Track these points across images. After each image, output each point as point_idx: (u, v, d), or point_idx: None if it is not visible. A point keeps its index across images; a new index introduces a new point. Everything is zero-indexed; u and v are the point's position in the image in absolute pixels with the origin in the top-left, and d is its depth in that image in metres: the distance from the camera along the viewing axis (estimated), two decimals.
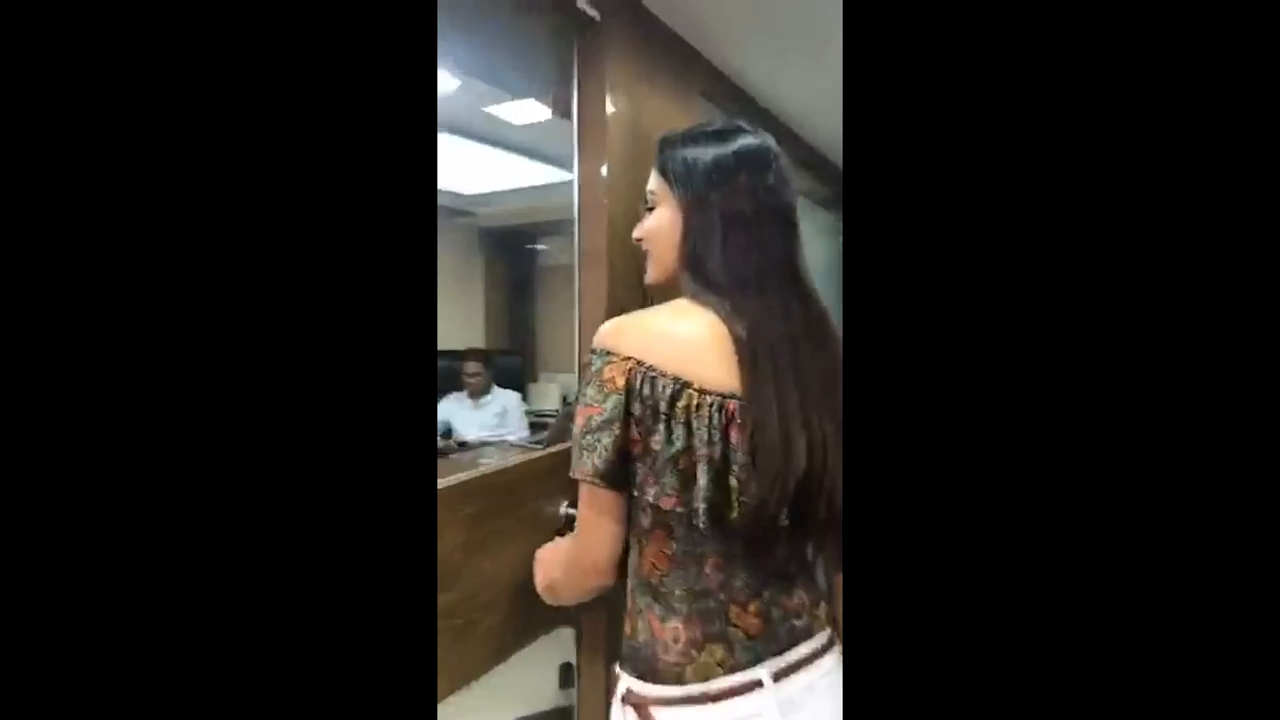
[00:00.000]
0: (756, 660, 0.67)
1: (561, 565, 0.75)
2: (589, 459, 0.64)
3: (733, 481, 0.62)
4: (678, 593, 0.67)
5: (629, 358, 0.63)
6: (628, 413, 0.63)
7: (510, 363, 3.69)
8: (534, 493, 0.88)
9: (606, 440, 0.63)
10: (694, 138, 0.70)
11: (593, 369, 0.65)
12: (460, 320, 3.94)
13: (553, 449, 0.93)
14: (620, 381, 0.63)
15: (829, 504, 0.65)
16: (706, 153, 0.68)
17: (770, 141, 0.70)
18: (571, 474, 0.66)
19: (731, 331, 0.63)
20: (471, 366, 2.92)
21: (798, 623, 0.70)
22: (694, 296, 0.67)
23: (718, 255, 0.66)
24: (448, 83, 1.58)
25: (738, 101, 1.43)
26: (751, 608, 0.67)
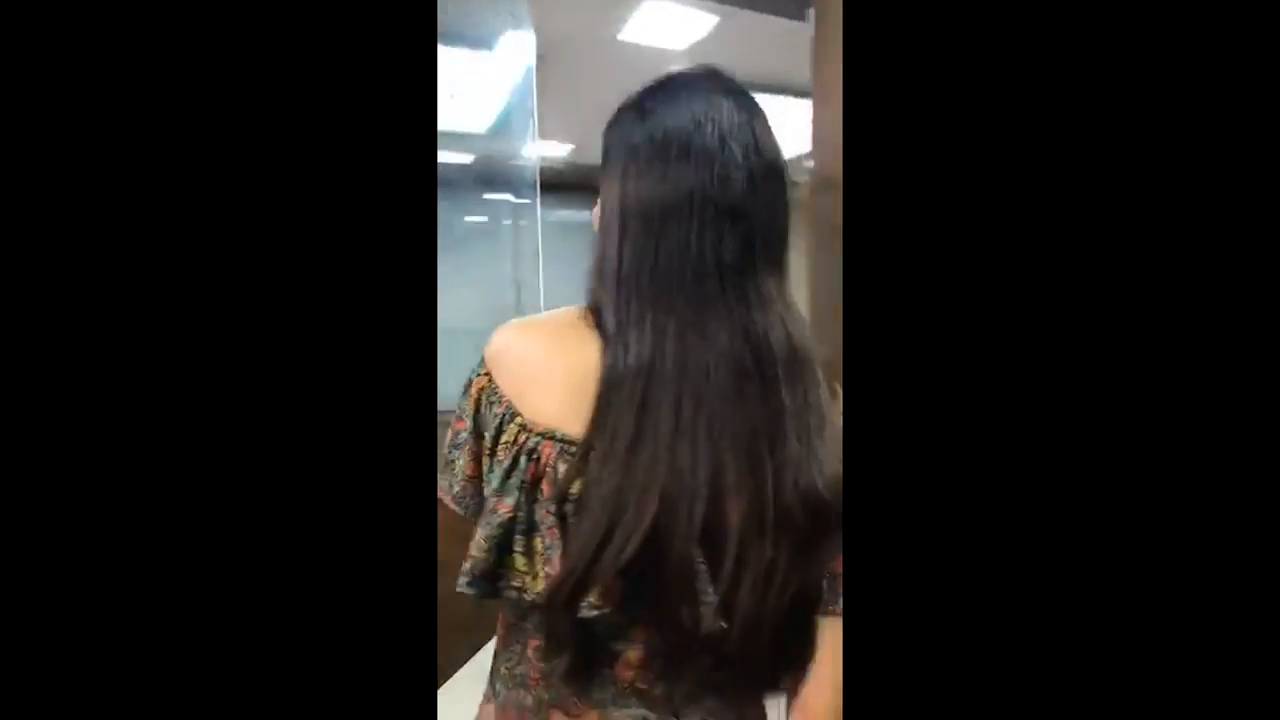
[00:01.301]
0: None
1: None
2: (445, 477, 0.56)
3: (538, 544, 0.49)
4: (502, 671, 0.57)
5: (486, 371, 0.53)
6: (479, 436, 0.54)
7: None
8: None
9: (461, 462, 0.54)
10: (630, 105, 0.55)
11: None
12: None
13: None
14: (474, 398, 0.54)
15: (735, 598, 0.46)
16: (627, 127, 0.53)
17: (729, 107, 0.51)
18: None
19: (604, 356, 0.50)
20: None
21: None
22: (593, 307, 0.53)
23: (613, 258, 0.52)
24: (704, 21, 1.38)
25: None
26: None
